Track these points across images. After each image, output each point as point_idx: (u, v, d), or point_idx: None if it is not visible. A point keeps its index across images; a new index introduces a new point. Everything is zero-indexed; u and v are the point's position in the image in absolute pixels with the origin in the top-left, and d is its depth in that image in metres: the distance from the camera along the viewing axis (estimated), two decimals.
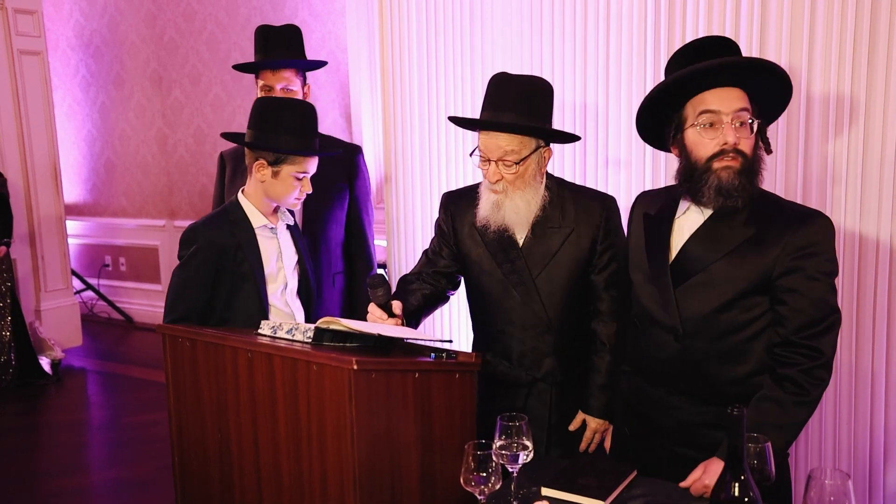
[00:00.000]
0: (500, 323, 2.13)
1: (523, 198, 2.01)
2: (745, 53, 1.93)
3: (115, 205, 6.73)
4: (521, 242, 2.07)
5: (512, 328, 2.11)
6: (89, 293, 6.75)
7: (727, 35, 2.30)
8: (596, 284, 2.10)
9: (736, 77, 1.69)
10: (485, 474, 1.48)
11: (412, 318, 2.11)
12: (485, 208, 2.05)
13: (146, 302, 6.64)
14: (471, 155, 2.04)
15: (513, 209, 2.01)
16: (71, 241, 6.36)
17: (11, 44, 5.30)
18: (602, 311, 2.11)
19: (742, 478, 1.27)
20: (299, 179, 2.21)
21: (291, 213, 2.41)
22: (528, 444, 1.54)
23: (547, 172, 2.10)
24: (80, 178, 6.87)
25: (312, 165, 2.24)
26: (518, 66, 2.79)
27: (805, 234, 1.66)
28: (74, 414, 4.60)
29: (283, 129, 2.18)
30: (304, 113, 2.23)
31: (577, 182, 2.71)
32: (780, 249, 1.66)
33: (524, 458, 1.54)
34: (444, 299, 2.27)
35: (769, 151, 1.76)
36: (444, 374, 1.76)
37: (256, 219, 2.24)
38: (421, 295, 2.15)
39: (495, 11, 2.82)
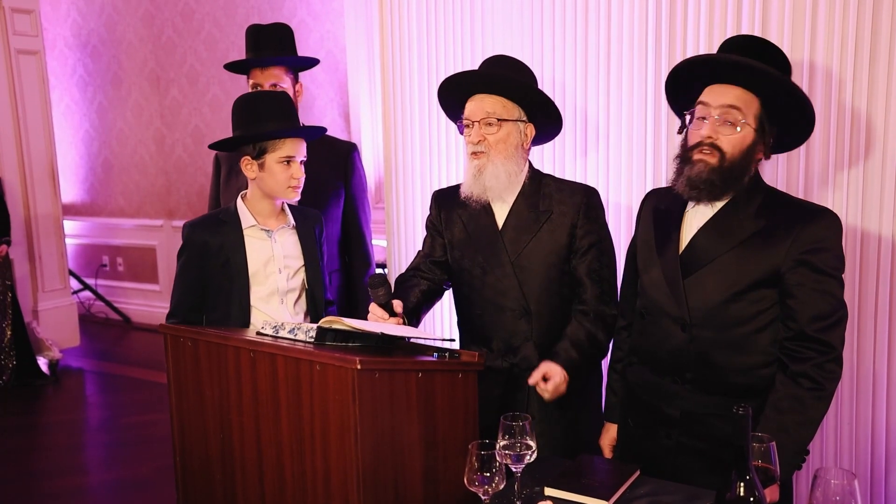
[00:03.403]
0: (478, 306, 2.15)
1: (504, 165, 2.05)
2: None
3: (113, 205, 6.71)
4: (500, 224, 2.11)
5: (489, 310, 2.12)
6: (87, 293, 6.73)
7: (727, 33, 2.32)
8: (576, 270, 2.11)
9: (740, 77, 1.68)
10: (488, 474, 1.48)
11: (412, 315, 2.12)
12: (467, 180, 2.10)
13: (144, 302, 6.63)
14: (457, 123, 2.12)
15: (493, 174, 2.05)
16: (68, 241, 6.34)
17: (9, 43, 5.29)
18: (584, 298, 2.10)
19: (747, 477, 1.27)
20: (287, 165, 2.19)
21: (310, 217, 2.37)
22: (532, 444, 1.55)
23: (530, 163, 2.15)
24: (78, 178, 6.85)
25: (297, 149, 2.20)
26: None
27: (814, 229, 1.67)
28: (72, 414, 4.59)
29: (261, 119, 2.17)
30: (276, 98, 2.23)
31: (578, 181, 2.72)
32: (790, 243, 1.67)
33: (528, 458, 1.54)
34: (441, 292, 2.29)
35: (767, 157, 1.76)
36: (447, 373, 1.76)
37: (247, 220, 2.23)
38: (419, 291, 2.19)
39: (495, 11, 2.82)
